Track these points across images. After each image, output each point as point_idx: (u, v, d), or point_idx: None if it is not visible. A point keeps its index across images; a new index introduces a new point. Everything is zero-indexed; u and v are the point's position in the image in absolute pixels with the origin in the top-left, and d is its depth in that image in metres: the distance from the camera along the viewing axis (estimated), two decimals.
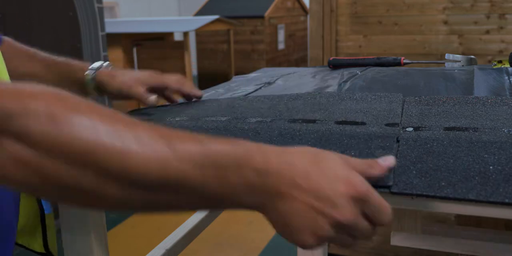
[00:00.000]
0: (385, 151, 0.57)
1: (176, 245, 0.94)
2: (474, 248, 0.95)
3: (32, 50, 0.90)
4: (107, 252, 0.70)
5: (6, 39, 0.91)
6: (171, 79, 0.88)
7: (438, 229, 0.99)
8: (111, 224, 2.68)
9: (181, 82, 0.89)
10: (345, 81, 1.01)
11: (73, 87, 0.85)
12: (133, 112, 0.85)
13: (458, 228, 1.01)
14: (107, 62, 0.87)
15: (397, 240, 0.99)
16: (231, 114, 0.76)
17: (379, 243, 2.14)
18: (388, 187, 0.51)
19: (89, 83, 0.84)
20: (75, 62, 0.88)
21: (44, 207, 0.73)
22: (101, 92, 0.86)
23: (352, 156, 0.57)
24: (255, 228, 2.69)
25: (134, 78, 0.84)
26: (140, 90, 0.84)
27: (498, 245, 0.93)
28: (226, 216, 1.25)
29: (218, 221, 1.12)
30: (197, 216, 1.05)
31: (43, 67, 0.87)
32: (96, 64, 0.86)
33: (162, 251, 0.91)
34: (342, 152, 0.58)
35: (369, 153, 0.57)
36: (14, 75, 0.80)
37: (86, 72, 0.84)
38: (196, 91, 0.90)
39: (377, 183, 0.50)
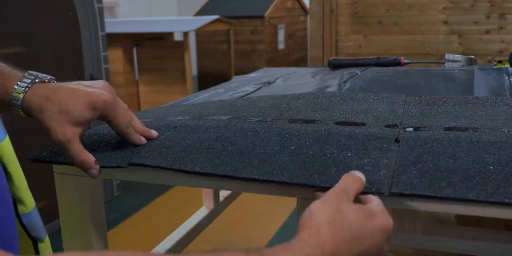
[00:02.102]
0: (382, 152, 0.57)
1: (176, 245, 0.94)
2: (474, 248, 0.94)
3: None
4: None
5: None
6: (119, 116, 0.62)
7: (438, 229, 0.99)
8: (111, 224, 2.68)
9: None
10: (345, 81, 1.01)
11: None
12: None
13: (458, 228, 1.01)
14: (42, 75, 0.62)
15: (397, 240, 0.99)
16: (233, 113, 0.76)
17: None
18: (381, 193, 0.51)
19: (16, 106, 0.60)
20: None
21: (36, 235, 0.66)
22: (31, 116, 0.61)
23: (349, 156, 0.57)
24: (255, 229, 2.69)
25: (69, 119, 0.59)
26: (76, 149, 0.59)
27: (498, 245, 0.93)
28: (226, 216, 1.25)
29: (218, 221, 1.12)
30: (197, 216, 1.05)
31: None
32: (28, 79, 0.60)
33: (162, 251, 0.91)
34: (339, 153, 0.58)
35: (366, 154, 0.57)
36: None
37: (11, 95, 0.59)
38: (148, 132, 0.67)
39: (371, 189, 0.51)
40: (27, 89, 0.60)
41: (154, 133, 0.68)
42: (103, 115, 0.61)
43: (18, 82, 0.60)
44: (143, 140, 0.66)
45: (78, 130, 0.59)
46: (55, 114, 0.59)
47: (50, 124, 0.59)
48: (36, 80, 0.61)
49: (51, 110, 0.59)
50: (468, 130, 0.63)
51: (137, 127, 0.66)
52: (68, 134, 0.58)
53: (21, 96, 0.59)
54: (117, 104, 0.62)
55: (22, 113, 0.61)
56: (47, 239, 0.68)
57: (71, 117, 0.59)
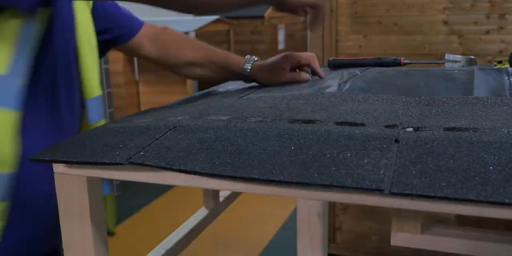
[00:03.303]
0: (382, 152, 0.57)
1: (176, 245, 0.94)
2: (474, 248, 0.94)
3: (191, 38, 1.07)
4: (107, 252, 0.71)
5: (160, 26, 1.07)
6: (303, 57, 1.02)
7: (438, 229, 0.99)
8: None
9: (310, 58, 1.03)
10: (345, 82, 1.01)
11: (229, 76, 1.04)
12: (134, 114, 0.85)
13: (458, 228, 1.01)
14: (254, 57, 1.05)
15: (397, 240, 0.99)
16: (233, 113, 0.76)
17: (379, 243, 2.14)
18: (382, 190, 0.51)
19: (245, 76, 1.02)
20: (232, 56, 1.03)
21: (91, 115, 0.89)
22: (253, 81, 1.04)
23: (348, 156, 0.57)
24: (256, 228, 2.69)
25: (278, 68, 1.01)
26: (288, 76, 1.02)
27: (498, 245, 0.93)
28: (227, 216, 1.25)
29: (218, 221, 1.12)
30: (197, 216, 1.05)
31: (204, 57, 1.01)
32: (249, 61, 1.02)
33: (162, 251, 0.91)
34: (339, 153, 0.58)
35: (366, 154, 0.57)
36: (177, 62, 1.03)
37: (244, 67, 1.01)
38: (320, 72, 1.05)
39: (371, 186, 0.51)
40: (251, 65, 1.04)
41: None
42: (293, 62, 1.05)
43: (245, 60, 1.04)
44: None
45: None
46: (272, 67, 1.05)
47: (271, 73, 1.03)
48: (255, 59, 1.05)
49: (268, 66, 1.05)
50: (468, 130, 0.63)
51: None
52: (282, 73, 1.04)
53: (247, 68, 1.03)
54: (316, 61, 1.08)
55: (248, 80, 1.05)
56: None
57: (280, 65, 1.04)
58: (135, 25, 1.03)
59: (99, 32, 0.94)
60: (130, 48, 1.03)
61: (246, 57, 1.03)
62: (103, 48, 0.98)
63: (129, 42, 1.01)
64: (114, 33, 0.99)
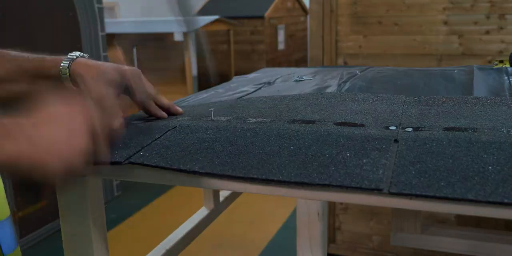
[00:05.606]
0: (381, 152, 0.57)
1: (176, 245, 0.94)
2: (474, 248, 0.95)
3: None
4: (107, 252, 0.71)
5: None
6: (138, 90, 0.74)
7: (438, 229, 0.99)
8: (111, 224, 2.68)
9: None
10: (345, 81, 1.01)
11: (48, 84, 0.74)
12: (133, 114, 0.85)
13: (458, 228, 1.01)
14: (78, 53, 0.76)
15: (397, 240, 0.99)
16: (233, 114, 0.76)
17: (379, 243, 2.14)
18: (380, 189, 0.51)
19: (65, 79, 0.73)
20: (49, 57, 0.76)
21: (4, 247, 0.72)
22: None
23: (348, 156, 0.57)
24: (255, 229, 2.69)
25: (105, 80, 0.70)
26: (113, 102, 0.70)
27: (498, 245, 0.93)
28: (226, 216, 1.25)
29: (218, 221, 1.12)
30: (197, 216, 1.05)
31: (15, 68, 0.74)
32: (68, 58, 0.74)
33: (162, 251, 0.91)
34: (338, 153, 0.58)
35: (365, 154, 0.57)
36: None
37: (60, 66, 0.73)
38: (174, 107, 0.79)
39: (370, 186, 0.51)
40: (72, 61, 0.73)
41: (180, 110, 0.78)
42: (127, 84, 0.71)
43: (64, 60, 0.74)
44: (164, 114, 0.75)
45: (111, 90, 0.69)
46: (94, 76, 0.71)
47: (88, 84, 0.70)
48: (78, 56, 0.75)
49: (91, 73, 0.71)
50: (467, 130, 0.63)
51: (160, 101, 0.75)
52: (103, 90, 0.68)
53: (67, 66, 0.73)
54: (142, 77, 0.73)
55: (68, 81, 0.73)
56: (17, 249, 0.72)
57: (105, 78, 0.70)
58: None
59: None
60: None
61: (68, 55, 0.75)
62: None
63: None
64: None
